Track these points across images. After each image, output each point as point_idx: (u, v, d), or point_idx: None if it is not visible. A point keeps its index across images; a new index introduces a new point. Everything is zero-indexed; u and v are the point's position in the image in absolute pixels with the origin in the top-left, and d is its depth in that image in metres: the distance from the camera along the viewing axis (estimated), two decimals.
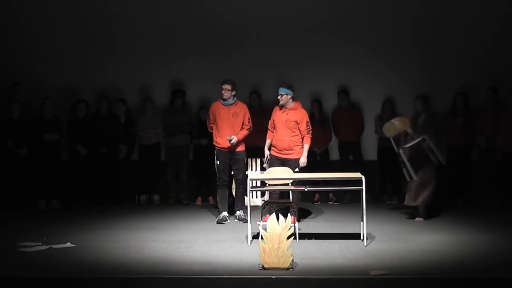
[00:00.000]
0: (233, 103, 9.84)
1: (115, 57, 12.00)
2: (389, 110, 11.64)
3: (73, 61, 11.96)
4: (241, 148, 9.89)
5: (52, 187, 11.19)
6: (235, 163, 9.87)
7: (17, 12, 11.91)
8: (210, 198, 11.53)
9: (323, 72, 11.85)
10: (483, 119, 11.24)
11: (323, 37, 11.91)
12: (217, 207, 10.10)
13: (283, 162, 9.50)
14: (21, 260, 7.53)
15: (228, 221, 9.84)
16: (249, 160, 11.04)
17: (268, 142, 9.77)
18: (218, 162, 9.85)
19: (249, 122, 9.89)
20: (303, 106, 11.76)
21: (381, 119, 11.64)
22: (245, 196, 9.99)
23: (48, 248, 8.05)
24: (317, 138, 11.57)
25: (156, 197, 11.69)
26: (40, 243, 8.20)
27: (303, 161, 9.51)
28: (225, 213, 9.87)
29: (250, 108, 10.94)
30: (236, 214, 9.93)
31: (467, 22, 11.79)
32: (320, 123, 11.57)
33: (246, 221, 9.57)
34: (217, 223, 9.76)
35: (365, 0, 11.91)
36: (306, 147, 9.58)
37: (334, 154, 11.86)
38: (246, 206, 10.20)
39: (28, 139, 11.00)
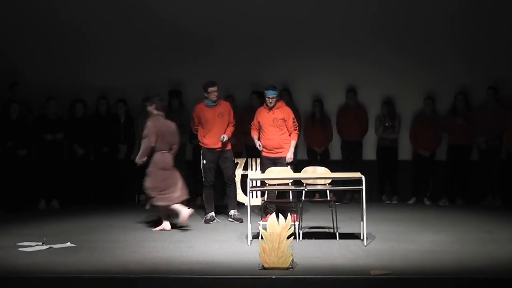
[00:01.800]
0: (216, 104, 9.83)
1: (116, 57, 12.00)
2: (389, 111, 11.64)
3: (74, 61, 11.96)
4: (228, 147, 9.90)
5: (52, 187, 11.18)
6: (223, 162, 9.86)
7: (17, 12, 11.90)
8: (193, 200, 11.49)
9: (324, 72, 11.84)
10: (483, 119, 11.23)
11: (324, 37, 11.89)
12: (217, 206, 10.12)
13: (274, 162, 9.60)
14: (21, 260, 7.53)
15: (216, 220, 9.84)
16: (249, 160, 11.03)
17: (256, 136, 9.83)
18: (204, 162, 9.86)
19: (233, 118, 9.91)
20: (304, 106, 11.81)
21: (381, 120, 11.66)
22: (236, 195, 10.11)
23: (48, 248, 8.05)
24: (318, 138, 11.60)
25: None
26: (40, 243, 8.20)
27: (289, 156, 9.63)
28: (212, 213, 9.86)
29: (251, 108, 10.96)
30: (230, 214, 9.91)
31: (468, 22, 11.78)
32: (321, 123, 11.57)
33: (241, 221, 9.60)
34: (205, 222, 9.76)
35: (366, 1, 11.91)
36: (293, 143, 9.71)
37: (334, 154, 11.84)
38: (243, 204, 10.27)
39: (27, 139, 10.99)
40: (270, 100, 9.64)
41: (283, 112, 9.67)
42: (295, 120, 9.74)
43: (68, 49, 11.96)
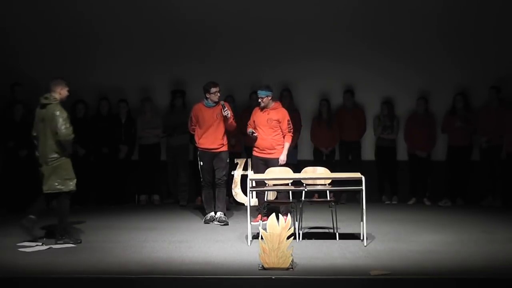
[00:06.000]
0: (216, 105, 9.78)
1: (116, 57, 11.99)
2: (388, 111, 11.64)
3: (74, 62, 11.95)
4: (224, 148, 9.82)
5: None
6: (217, 163, 9.82)
7: (17, 12, 11.90)
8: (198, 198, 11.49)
9: (324, 72, 11.84)
10: (485, 119, 11.21)
11: (323, 39, 11.89)
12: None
13: (266, 162, 9.58)
14: (21, 260, 7.54)
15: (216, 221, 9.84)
16: (249, 160, 11.02)
17: (250, 129, 9.74)
18: (201, 163, 9.85)
19: (231, 113, 9.81)
20: (304, 106, 11.79)
21: (380, 120, 11.65)
22: (226, 197, 10.10)
23: (48, 248, 8.06)
24: (325, 138, 11.54)
25: (156, 197, 11.70)
26: (40, 243, 8.20)
27: (282, 158, 9.60)
28: (212, 213, 9.84)
29: (250, 108, 10.94)
30: (216, 216, 9.80)
31: (469, 22, 11.77)
32: (327, 123, 11.54)
33: (227, 224, 9.58)
34: (205, 223, 9.75)
35: (365, 2, 11.91)
36: (287, 145, 9.67)
37: (338, 154, 11.83)
38: (242, 204, 10.24)
39: (29, 140, 10.98)
40: (260, 100, 9.63)
41: (278, 114, 9.65)
42: (290, 122, 9.69)
43: (69, 50, 11.95)
